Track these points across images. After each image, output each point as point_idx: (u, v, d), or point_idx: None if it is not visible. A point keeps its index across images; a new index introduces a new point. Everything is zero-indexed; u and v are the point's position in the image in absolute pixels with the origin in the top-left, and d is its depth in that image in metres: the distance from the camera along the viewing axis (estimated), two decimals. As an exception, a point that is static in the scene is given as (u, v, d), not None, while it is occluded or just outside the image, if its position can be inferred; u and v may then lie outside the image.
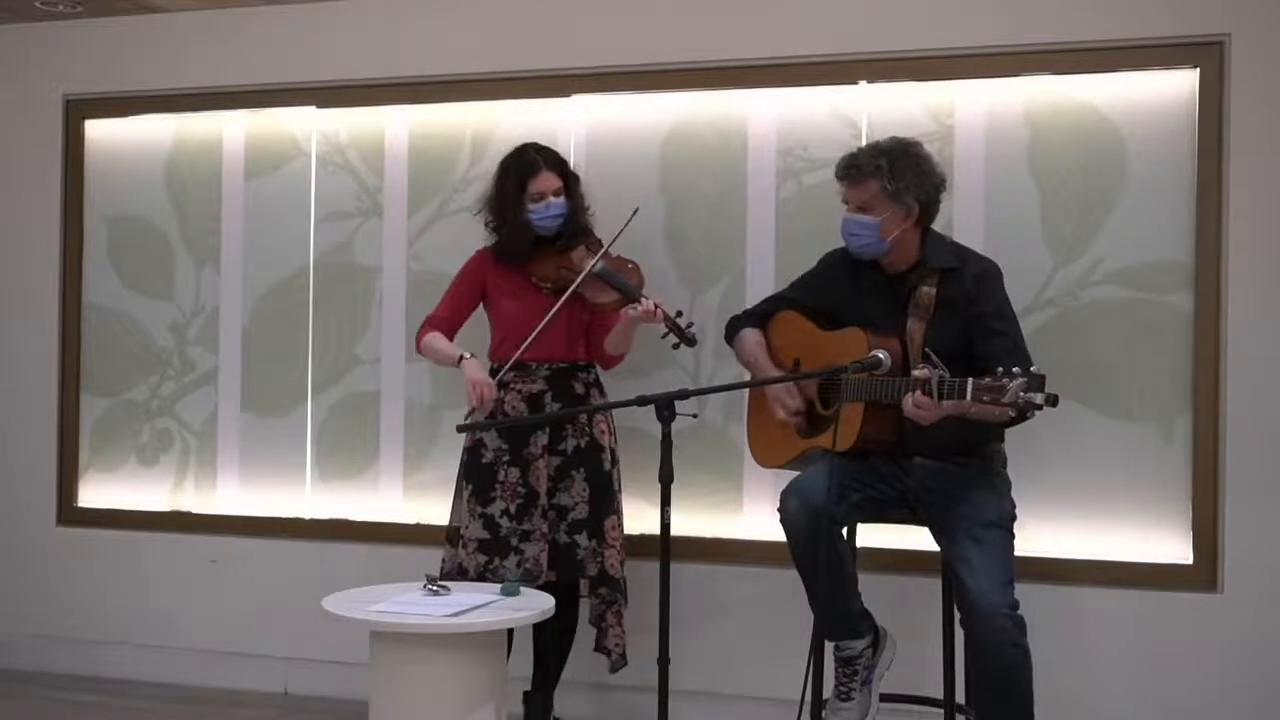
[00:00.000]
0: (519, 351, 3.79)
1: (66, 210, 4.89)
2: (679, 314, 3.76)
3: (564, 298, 3.76)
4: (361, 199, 4.61)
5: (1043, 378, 2.87)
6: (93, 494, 4.89)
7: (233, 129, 4.76)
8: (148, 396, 4.84)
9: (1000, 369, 2.90)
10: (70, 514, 4.88)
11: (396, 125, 4.57)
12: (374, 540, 4.48)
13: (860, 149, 3.40)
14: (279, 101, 4.67)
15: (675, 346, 3.78)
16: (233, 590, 4.63)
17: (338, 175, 4.63)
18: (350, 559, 4.42)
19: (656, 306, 3.72)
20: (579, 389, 3.89)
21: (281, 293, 4.70)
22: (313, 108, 4.63)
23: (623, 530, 3.90)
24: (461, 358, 3.84)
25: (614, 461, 3.90)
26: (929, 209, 3.35)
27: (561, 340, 3.86)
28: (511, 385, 3.87)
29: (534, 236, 3.86)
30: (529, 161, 3.85)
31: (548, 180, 3.83)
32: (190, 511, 4.77)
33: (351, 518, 4.58)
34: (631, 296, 3.77)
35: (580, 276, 3.77)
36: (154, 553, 4.74)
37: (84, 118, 4.89)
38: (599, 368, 3.99)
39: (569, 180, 3.89)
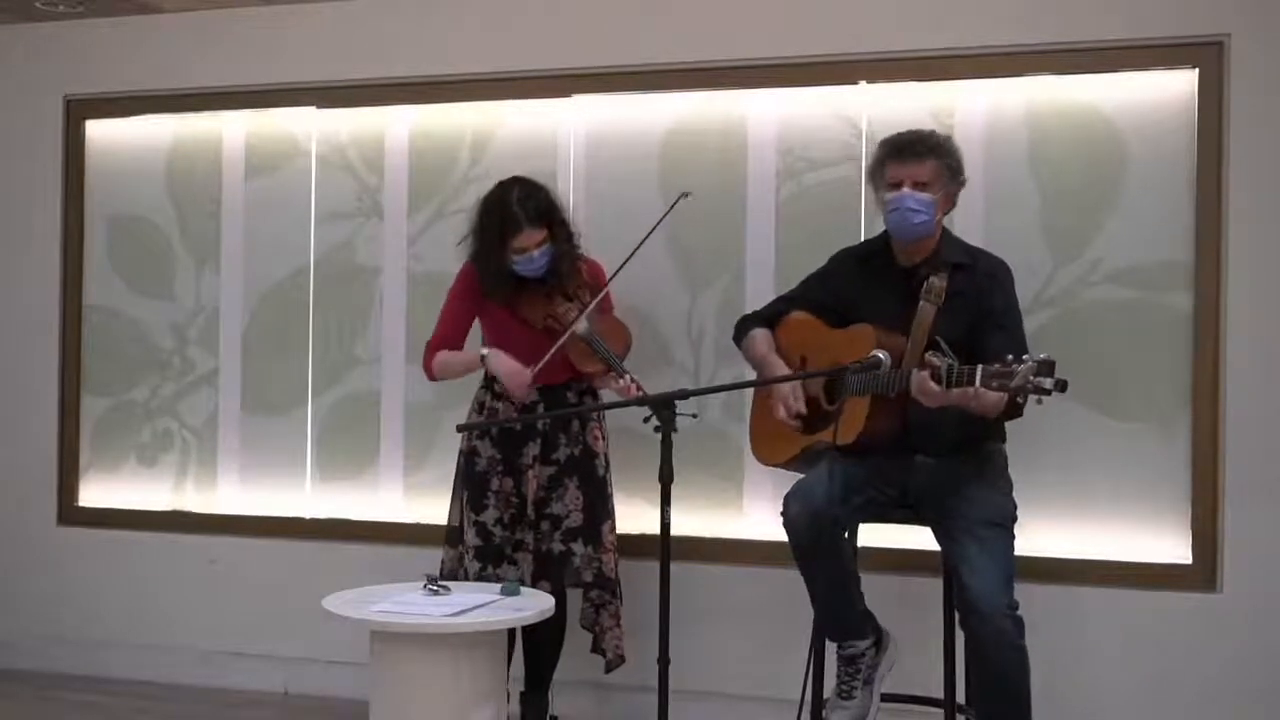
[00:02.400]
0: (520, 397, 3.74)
1: (66, 210, 4.89)
2: None
3: (547, 357, 3.67)
4: (361, 199, 4.61)
5: (1053, 363, 2.86)
6: (93, 494, 4.89)
7: (233, 129, 4.76)
8: (148, 396, 4.84)
9: (1010, 356, 2.91)
10: (70, 514, 4.88)
11: (396, 125, 4.57)
12: (374, 540, 4.48)
13: (907, 131, 3.38)
14: (279, 101, 4.67)
15: (657, 430, 3.53)
16: (233, 590, 4.63)
17: (338, 175, 4.63)
18: (350, 559, 4.42)
19: (639, 391, 3.63)
20: (571, 398, 3.87)
21: (281, 293, 4.70)
22: (313, 108, 4.64)
23: (615, 532, 3.89)
24: (483, 356, 3.77)
25: (607, 466, 3.89)
26: (955, 200, 3.39)
27: (551, 372, 3.77)
28: (504, 397, 3.83)
29: (517, 280, 3.78)
30: (510, 217, 3.69)
31: (530, 237, 3.70)
32: (190, 511, 4.76)
33: (351, 518, 4.58)
34: (614, 370, 3.70)
35: (563, 338, 3.68)
36: (154, 553, 4.74)
37: (84, 118, 4.89)
38: None
39: (554, 226, 3.77)
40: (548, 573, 3.78)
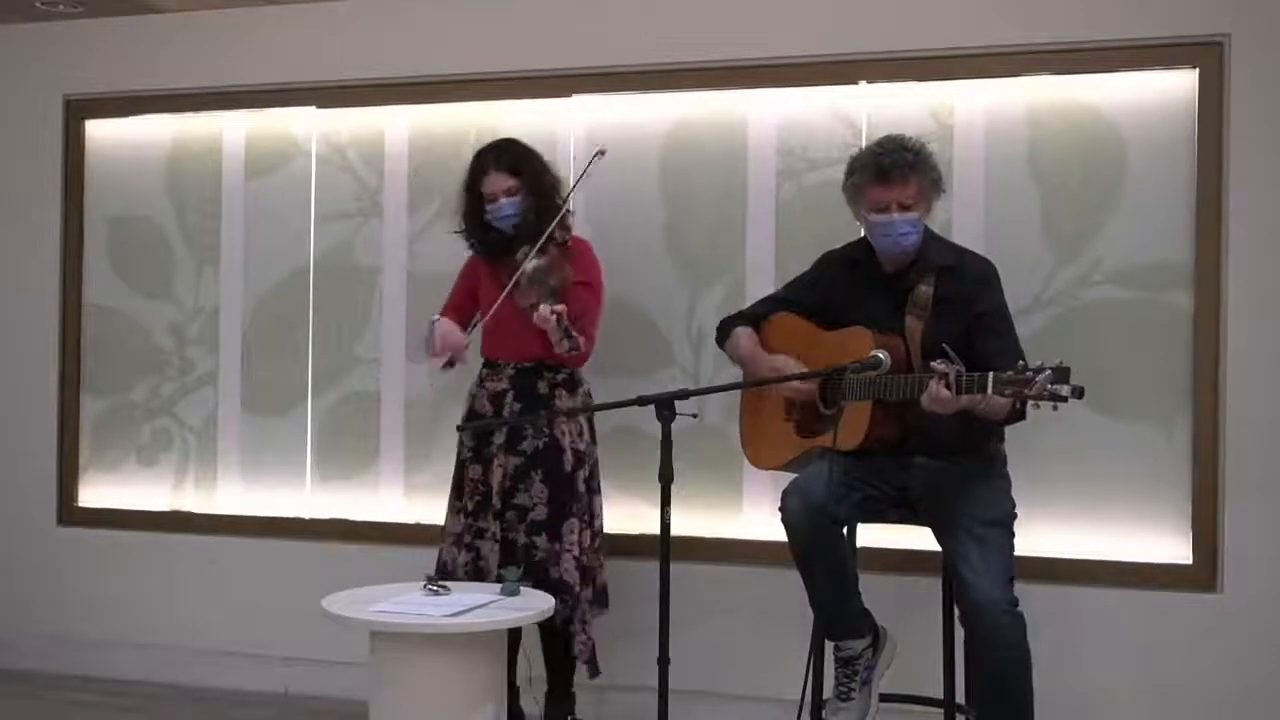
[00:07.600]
0: (471, 330, 3.83)
1: (66, 210, 4.89)
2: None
3: (503, 294, 3.72)
4: (361, 199, 4.61)
5: (1068, 370, 2.87)
6: (93, 494, 4.89)
7: (233, 129, 4.76)
8: (148, 396, 4.84)
9: (1022, 363, 2.90)
10: (70, 514, 4.88)
11: (396, 125, 4.57)
12: (374, 540, 4.48)
13: (884, 150, 3.28)
14: (279, 101, 4.67)
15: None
16: (233, 590, 4.63)
17: (338, 175, 4.63)
18: (350, 559, 4.42)
19: (554, 314, 3.60)
20: (543, 388, 3.83)
21: (281, 293, 4.70)
22: (313, 108, 4.63)
23: (594, 535, 3.86)
24: (432, 322, 3.88)
25: (580, 463, 3.82)
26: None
27: (518, 341, 3.80)
28: (484, 383, 3.88)
29: (496, 235, 3.84)
30: (479, 164, 3.85)
31: (496, 182, 3.80)
32: (190, 511, 4.76)
33: (351, 518, 4.58)
34: (549, 298, 3.65)
35: (515, 276, 3.70)
36: (154, 553, 4.74)
37: (84, 118, 4.89)
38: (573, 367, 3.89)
39: (526, 179, 3.81)
40: (512, 561, 3.72)
